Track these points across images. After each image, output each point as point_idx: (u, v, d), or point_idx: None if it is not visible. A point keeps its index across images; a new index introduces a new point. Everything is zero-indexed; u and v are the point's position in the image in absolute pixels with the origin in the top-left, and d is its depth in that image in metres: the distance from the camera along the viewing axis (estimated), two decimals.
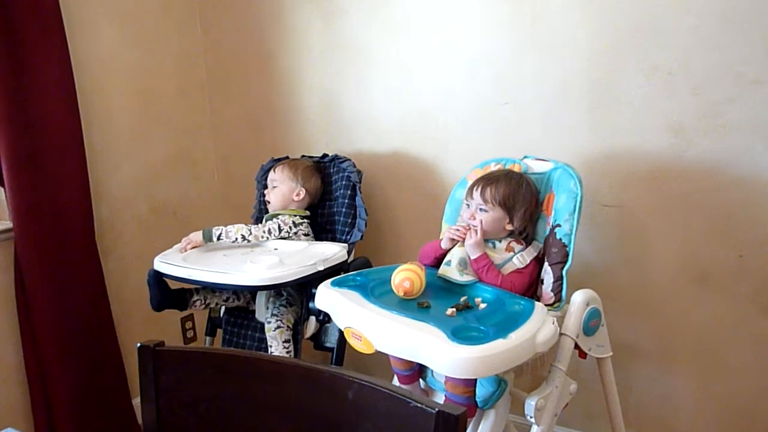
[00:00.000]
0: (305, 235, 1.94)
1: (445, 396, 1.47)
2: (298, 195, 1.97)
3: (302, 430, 0.86)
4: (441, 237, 1.66)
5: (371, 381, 0.78)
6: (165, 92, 2.32)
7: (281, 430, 0.88)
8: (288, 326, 1.83)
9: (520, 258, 1.55)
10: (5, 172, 1.78)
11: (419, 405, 0.72)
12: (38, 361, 1.89)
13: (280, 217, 1.92)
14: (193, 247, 1.85)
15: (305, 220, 1.96)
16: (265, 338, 1.83)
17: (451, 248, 1.59)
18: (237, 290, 1.92)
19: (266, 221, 1.92)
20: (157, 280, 1.80)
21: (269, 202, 2.01)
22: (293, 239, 1.90)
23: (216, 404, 0.92)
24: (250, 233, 1.85)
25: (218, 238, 1.84)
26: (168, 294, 1.84)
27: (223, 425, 0.92)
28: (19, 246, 1.83)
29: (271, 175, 2.02)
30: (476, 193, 1.59)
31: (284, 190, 1.98)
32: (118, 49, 2.13)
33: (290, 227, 1.90)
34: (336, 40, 2.12)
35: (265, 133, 2.37)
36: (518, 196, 1.57)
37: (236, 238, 1.85)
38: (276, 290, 1.87)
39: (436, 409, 0.70)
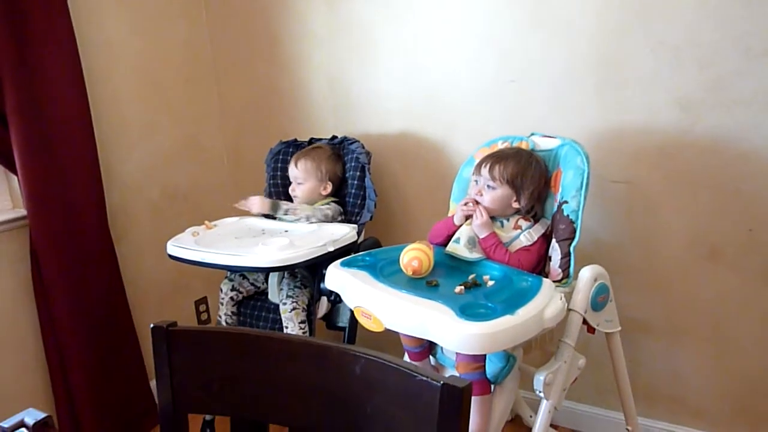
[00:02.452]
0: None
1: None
2: (325, 189, 2.01)
3: (313, 406, 0.88)
4: (450, 215, 1.67)
5: (378, 356, 0.80)
6: (172, 78, 2.33)
7: (293, 407, 0.90)
8: (303, 308, 1.85)
9: (528, 235, 1.56)
10: (18, 160, 1.80)
11: (425, 378, 0.74)
12: (57, 346, 1.93)
13: (332, 205, 1.97)
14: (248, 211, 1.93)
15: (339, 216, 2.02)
16: (279, 319, 1.86)
17: (461, 226, 1.60)
18: (247, 272, 1.96)
19: (322, 205, 1.97)
20: None
21: (297, 197, 2.03)
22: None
23: (229, 383, 0.94)
24: (313, 215, 1.91)
25: (285, 213, 1.91)
26: None
27: (235, 403, 0.94)
28: (34, 234, 1.86)
29: (293, 171, 2.02)
30: (484, 170, 1.59)
31: (311, 186, 2.00)
32: (124, 36, 2.14)
33: (335, 216, 1.96)
34: (341, 22, 2.12)
35: (273, 117, 2.38)
36: (527, 175, 1.57)
37: (301, 218, 1.90)
38: (290, 272, 1.90)
39: (441, 382, 0.72)
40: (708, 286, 1.72)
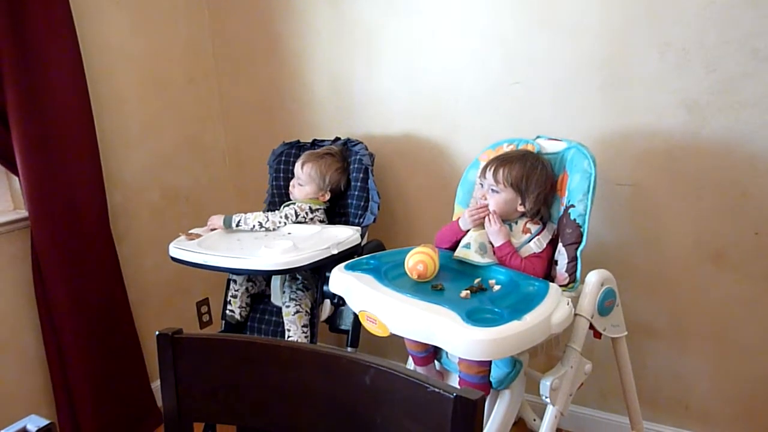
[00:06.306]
0: (320, 221, 1.96)
1: (459, 377, 1.48)
2: (323, 197, 1.99)
3: (320, 416, 0.87)
4: (456, 218, 1.66)
5: (389, 366, 0.78)
6: (174, 78, 2.31)
7: (300, 416, 0.89)
8: (306, 311, 1.84)
9: (537, 242, 1.54)
10: (19, 161, 1.79)
11: (437, 390, 0.72)
12: (58, 348, 1.92)
13: (297, 203, 1.94)
14: (212, 230, 1.91)
15: (322, 206, 1.98)
16: (282, 322, 1.85)
17: (468, 231, 1.59)
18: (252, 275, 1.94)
19: (284, 207, 1.94)
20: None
21: (294, 196, 2.02)
22: (308, 224, 1.91)
23: (234, 391, 0.93)
24: (267, 219, 1.89)
25: (237, 225, 1.89)
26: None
27: (241, 412, 0.93)
28: (35, 235, 1.84)
29: (298, 170, 2.00)
30: (489, 173, 1.58)
31: (309, 191, 1.98)
32: (126, 36, 2.13)
33: (306, 213, 1.92)
34: (344, 22, 2.11)
35: (275, 118, 2.37)
36: (532, 179, 1.55)
37: (254, 225, 1.89)
38: (291, 274, 1.88)
39: (454, 394, 0.71)
40: (713, 289, 1.71)
